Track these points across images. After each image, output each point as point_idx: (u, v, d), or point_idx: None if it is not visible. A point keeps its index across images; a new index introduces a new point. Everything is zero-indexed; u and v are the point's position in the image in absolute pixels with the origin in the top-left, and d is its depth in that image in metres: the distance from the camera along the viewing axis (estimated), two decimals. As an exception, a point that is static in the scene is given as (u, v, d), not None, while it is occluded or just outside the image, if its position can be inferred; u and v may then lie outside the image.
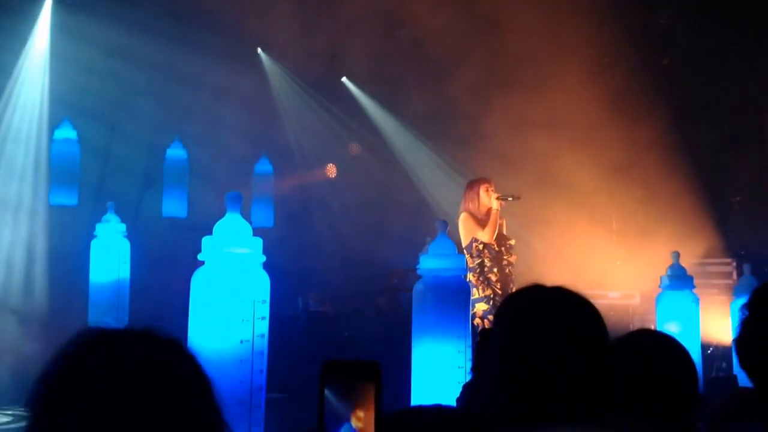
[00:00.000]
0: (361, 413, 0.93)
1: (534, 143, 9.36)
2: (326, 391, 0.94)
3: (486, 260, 6.53)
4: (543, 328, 1.49)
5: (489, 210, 6.63)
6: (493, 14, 9.12)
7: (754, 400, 1.91)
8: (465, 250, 6.49)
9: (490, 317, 6.30)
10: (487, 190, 6.65)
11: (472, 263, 6.46)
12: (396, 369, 5.02)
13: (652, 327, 7.33)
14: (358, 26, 9.38)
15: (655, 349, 1.90)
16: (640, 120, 9.26)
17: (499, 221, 6.66)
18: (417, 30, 9.74)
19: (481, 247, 6.53)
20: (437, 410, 1.62)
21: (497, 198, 6.64)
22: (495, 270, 6.52)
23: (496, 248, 6.59)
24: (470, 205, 6.69)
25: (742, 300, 7.87)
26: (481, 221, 6.60)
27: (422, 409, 1.63)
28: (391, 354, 6.28)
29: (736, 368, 6.84)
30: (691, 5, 10.01)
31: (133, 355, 1.03)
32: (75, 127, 9.25)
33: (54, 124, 9.32)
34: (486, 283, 6.47)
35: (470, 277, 6.41)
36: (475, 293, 6.37)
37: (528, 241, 8.99)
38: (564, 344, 1.48)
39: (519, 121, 9.45)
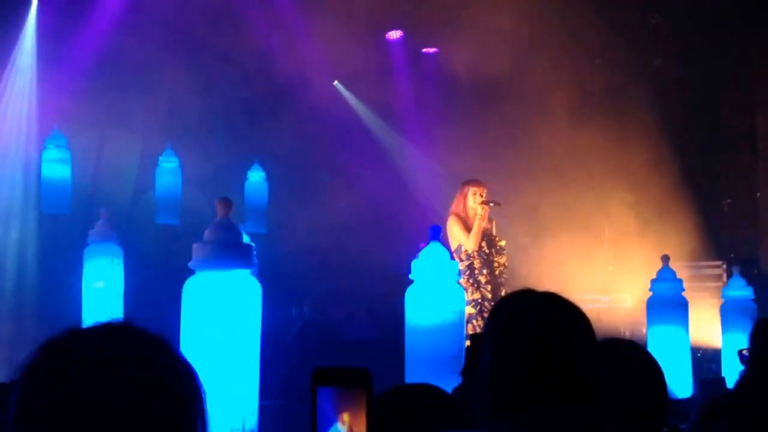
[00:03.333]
0: (351, 420, 0.95)
1: (525, 148, 9.38)
2: (317, 398, 0.96)
3: (476, 262, 6.37)
4: (533, 334, 1.52)
5: (476, 214, 6.43)
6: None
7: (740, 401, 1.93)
8: (454, 254, 6.37)
9: (475, 322, 6.20)
10: (475, 194, 6.45)
11: (461, 265, 6.30)
12: (390, 373, 5.03)
13: (644, 331, 7.36)
14: (352, 31, 9.39)
15: (620, 358, 1.92)
16: (630, 123, 9.28)
17: (487, 225, 6.47)
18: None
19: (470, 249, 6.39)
20: (427, 388, 1.66)
21: (482, 203, 6.41)
22: (485, 272, 6.36)
23: (487, 250, 6.45)
24: (456, 208, 6.52)
25: (731, 302, 7.86)
26: (468, 226, 6.42)
27: (412, 387, 1.67)
28: (385, 359, 6.27)
29: (725, 370, 6.89)
30: (683, 7, 10.03)
31: (110, 350, 1.02)
32: (65, 134, 9.20)
33: (44, 131, 9.23)
34: (475, 286, 6.31)
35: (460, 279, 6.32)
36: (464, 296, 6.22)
37: (520, 245, 8.99)
38: (554, 350, 1.50)
39: (512, 127, 9.48)
